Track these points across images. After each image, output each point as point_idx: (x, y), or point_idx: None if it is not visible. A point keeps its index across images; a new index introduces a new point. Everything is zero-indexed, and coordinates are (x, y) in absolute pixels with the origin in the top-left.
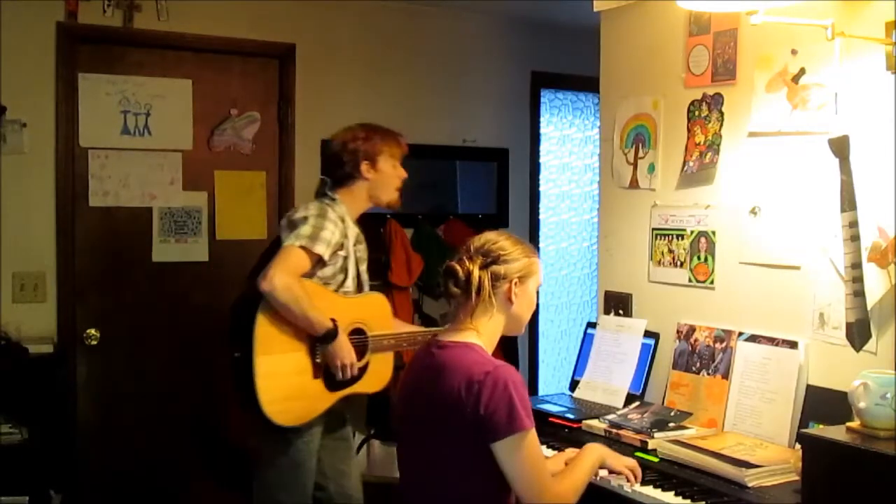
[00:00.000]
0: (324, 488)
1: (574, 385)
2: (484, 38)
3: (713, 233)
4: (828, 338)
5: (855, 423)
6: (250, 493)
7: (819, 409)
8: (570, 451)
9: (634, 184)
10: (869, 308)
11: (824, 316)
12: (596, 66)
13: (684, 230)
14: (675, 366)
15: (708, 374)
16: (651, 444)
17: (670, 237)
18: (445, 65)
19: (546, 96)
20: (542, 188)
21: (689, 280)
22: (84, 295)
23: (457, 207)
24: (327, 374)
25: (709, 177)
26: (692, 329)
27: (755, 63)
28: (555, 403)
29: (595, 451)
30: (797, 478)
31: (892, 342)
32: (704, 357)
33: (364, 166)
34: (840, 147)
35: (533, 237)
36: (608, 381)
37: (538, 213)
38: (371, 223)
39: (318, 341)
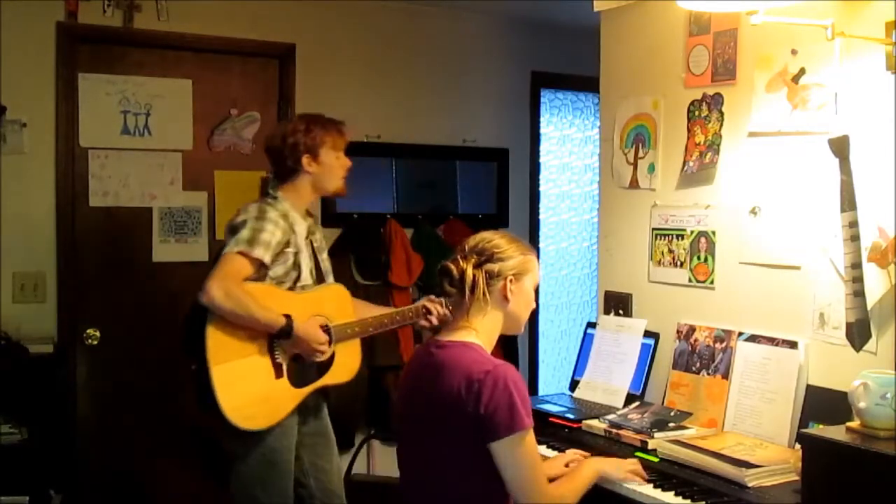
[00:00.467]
0: (304, 485)
1: (574, 385)
2: (484, 38)
3: (713, 233)
4: (828, 338)
5: (855, 423)
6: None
7: (819, 409)
8: (572, 453)
9: (634, 184)
10: (869, 308)
11: (824, 316)
12: (596, 66)
13: (684, 230)
14: (675, 366)
15: (708, 374)
16: (651, 444)
17: (670, 237)
18: (445, 65)
19: (546, 96)
20: (542, 188)
21: (689, 280)
22: (84, 295)
23: (457, 207)
24: (291, 371)
25: (709, 177)
26: (692, 329)
27: (755, 63)
28: (555, 403)
29: (593, 466)
30: (797, 478)
31: (892, 342)
32: (704, 357)
33: (305, 160)
34: (840, 147)
35: (533, 237)
36: (608, 381)
37: (538, 213)
38: (371, 223)
39: (275, 338)
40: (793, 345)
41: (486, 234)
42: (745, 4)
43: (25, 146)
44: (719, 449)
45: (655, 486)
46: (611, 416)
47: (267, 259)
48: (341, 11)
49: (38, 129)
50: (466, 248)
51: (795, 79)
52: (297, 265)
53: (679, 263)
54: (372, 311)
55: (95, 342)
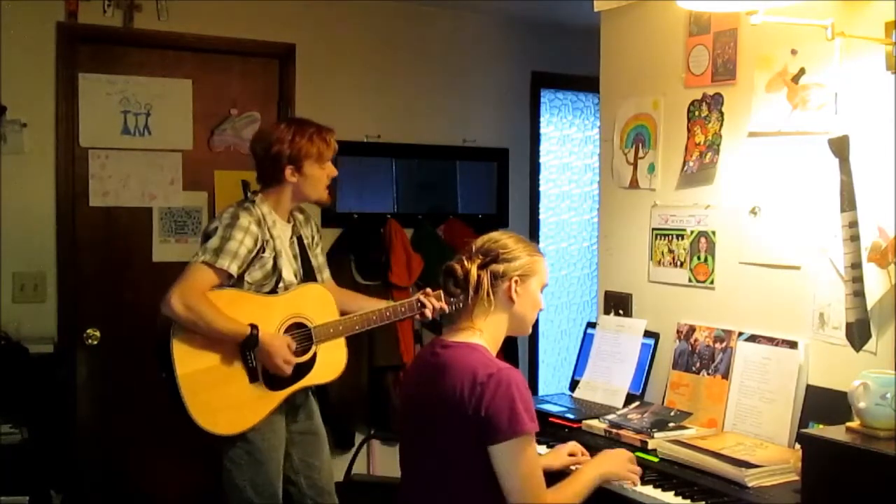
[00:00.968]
0: (294, 482)
1: (574, 385)
2: (484, 38)
3: (713, 233)
4: (828, 338)
5: (855, 423)
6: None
7: (819, 409)
8: (573, 445)
9: (634, 184)
10: (869, 308)
11: (824, 316)
12: (596, 66)
13: (684, 230)
14: (675, 366)
15: (708, 374)
16: (651, 444)
17: (670, 237)
18: (445, 65)
19: (546, 96)
20: (542, 188)
21: (689, 280)
22: (84, 295)
23: (457, 207)
24: (267, 374)
25: (709, 177)
26: (692, 329)
27: (755, 63)
28: (555, 403)
29: (596, 469)
30: (797, 478)
31: (892, 342)
32: (704, 357)
33: (288, 171)
34: (840, 147)
35: (533, 237)
36: (608, 381)
37: (538, 213)
38: (371, 223)
39: (242, 348)
40: (793, 345)
41: (494, 235)
42: (745, 4)
43: (25, 146)
44: (719, 449)
45: (655, 486)
46: (611, 416)
47: (234, 269)
48: (341, 11)
49: (38, 129)
50: (473, 248)
51: (795, 79)
52: (276, 269)
53: (679, 263)
54: (368, 302)
55: (95, 342)
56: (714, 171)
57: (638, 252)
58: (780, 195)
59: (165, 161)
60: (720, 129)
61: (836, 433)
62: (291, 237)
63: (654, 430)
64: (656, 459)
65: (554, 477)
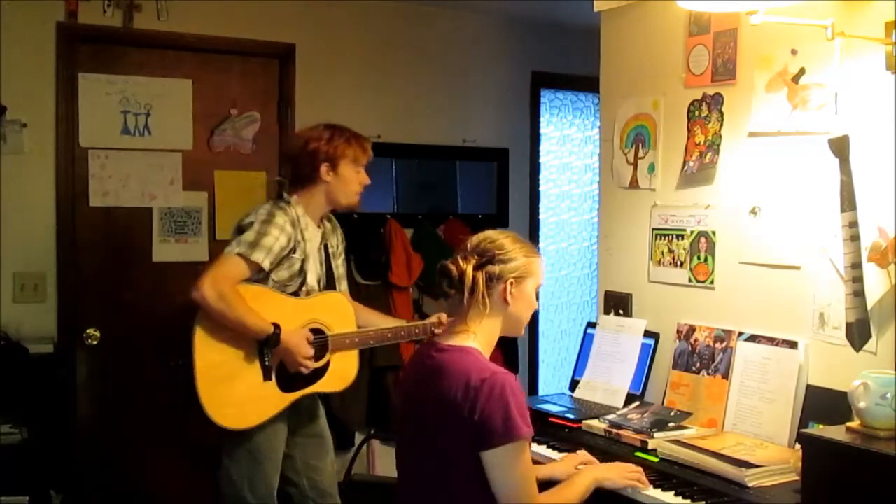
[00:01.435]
0: (296, 484)
1: (574, 385)
2: (484, 38)
3: (713, 233)
4: (828, 338)
5: (855, 423)
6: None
7: (819, 409)
8: (583, 454)
9: (634, 184)
10: (869, 308)
11: (824, 316)
12: (596, 66)
13: (684, 230)
14: (675, 366)
15: (708, 374)
16: (651, 444)
17: (670, 237)
18: (445, 65)
19: (546, 96)
20: (542, 188)
21: (689, 280)
22: (84, 295)
23: (457, 207)
24: (281, 375)
25: (709, 177)
26: (692, 329)
27: (755, 63)
28: (555, 403)
29: (590, 475)
30: (797, 478)
31: (892, 342)
32: (704, 357)
33: (323, 168)
34: (840, 147)
35: (533, 237)
36: (608, 381)
37: (538, 213)
38: (371, 223)
39: (261, 345)
40: (793, 345)
41: (490, 234)
42: (745, 4)
43: (25, 146)
44: (719, 449)
45: (655, 486)
46: (611, 416)
47: (266, 265)
48: (341, 11)
49: (38, 129)
50: (468, 247)
51: (795, 79)
52: (302, 271)
53: (679, 263)
54: (381, 321)
55: (95, 342)
56: (714, 171)
57: (638, 252)
58: (780, 195)
59: (165, 161)
60: (720, 129)
61: (836, 433)
62: (320, 243)
63: (654, 430)
64: (656, 459)
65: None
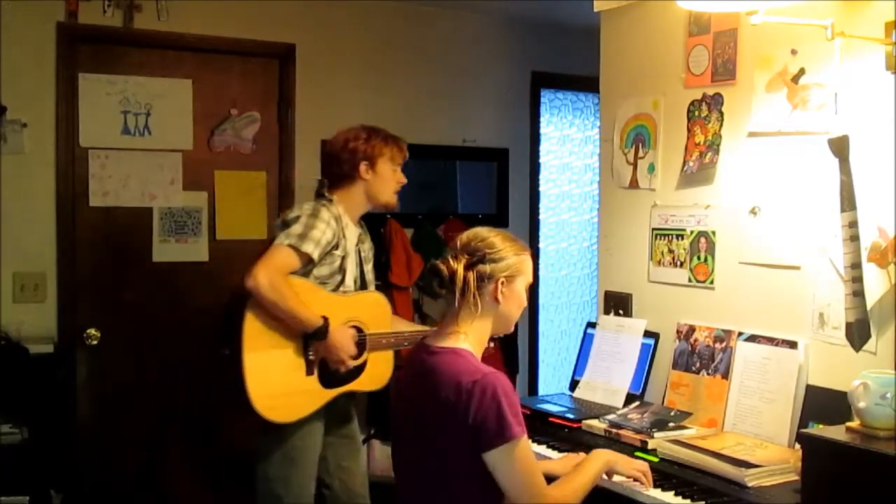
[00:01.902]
0: (328, 486)
1: (574, 385)
2: (484, 38)
3: (713, 233)
4: (828, 338)
5: (855, 423)
6: (249, 492)
7: (819, 409)
8: (583, 456)
9: (634, 184)
10: (869, 308)
11: (824, 316)
12: (596, 66)
13: (684, 230)
14: (674, 366)
15: (708, 374)
16: (651, 444)
17: (670, 237)
18: (445, 65)
19: (546, 96)
20: (542, 188)
21: (689, 280)
22: (84, 295)
23: (457, 207)
24: (322, 370)
25: (709, 177)
26: (692, 329)
27: (755, 63)
28: (555, 403)
29: (601, 457)
30: (797, 478)
31: (892, 342)
32: (704, 357)
33: (362, 167)
34: (840, 147)
35: (533, 237)
36: (608, 381)
37: (538, 213)
38: (371, 223)
39: (308, 338)
40: (793, 345)
41: (480, 232)
42: (745, 4)
43: (25, 146)
44: (719, 449)
45: (655, 486)
46: (611, 416)
47: (315, 256)
48: (341, 11)
49: (38, 129)
50: (458, 245)
51: (795, 79)
52: (342, 269)
53: (679, 263)
54: (407, 326)
55: (95, 342)
56: (714, 171)
57: (638, 252)
58: (780, 195)
59: (165, 161)
60: (720, 129)
61: (836, 433)
62: (356, 245)
63: (654, 430)
64: (656, 459)
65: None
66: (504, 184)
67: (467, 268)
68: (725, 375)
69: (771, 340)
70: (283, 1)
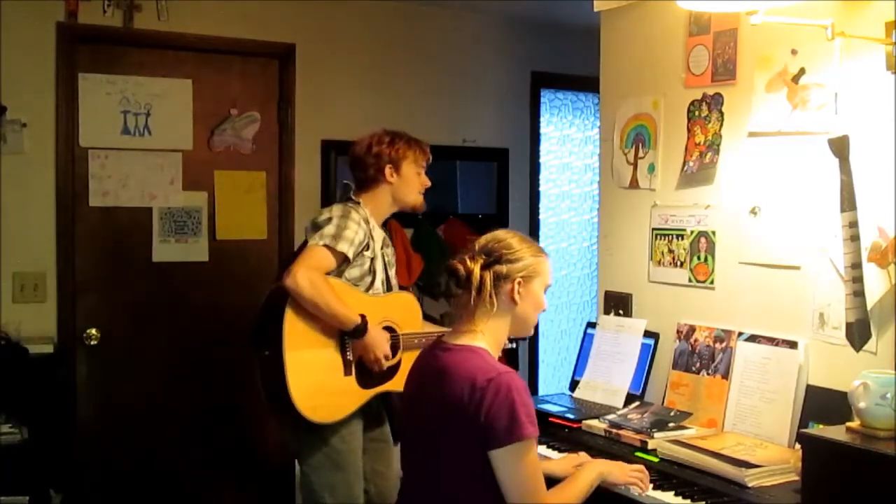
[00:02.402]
0: (364, 490)
1: (574, 385)
2: (484, 38)
3: (713, 233)
4: (828, 338)
5: (855, 423)
6: (249, 491)
7: (819, 409)
8: (584, 455)
9: (634, 184)
10: (869, 308)
11: (824, 316)
12: (596, 66)
13: (684, 230)
14: (675, 366)
15: (708, 374)
16: (651, 444)
17: (670, 237)
18: (445, 65)
19: (546, 96)
20: (542, 188)
21: (689, 280)
22: (84, 295)
23: (457, 207)
24: (359, 370)
25: (709, 177)
26: (692, 329)
27: (755, 63)
28: (555, 403)
29: (594, 469)
30: (797, 478)
31: (892, 342)
32: (704, 357)
33: (388, 170)
34: (840, 147)
35: (533, 237)
36: (608, 381)
37: (538, 213)
38: None
39: (347, 336)
40: (793, 345)
41: (498, 234)
42: (745, 4)
43: (25, 146)
44: (719, 449)
45: (655, 487)
46: (611, 416)
47: (350, 254)
48: (341, 11)
49: (38, 129)
50: (476, 246)
51: (795, 79)
52: (372, 271)
53: (679, 263)
54: (430, 327)
55: (95, 342)
56: (714, 171)
57: (638, 252)
58: (780, 195)
59: (165, 161)
60: (720, 129)
61: (836, 433)
62: (381, 247)
63: (654, 430)
64: (656, 459)
65: (554, 483)
66: (504, 184)
67: (484, 268)
68: (725, 375)
69: (771, 340)
70: (283, 1)
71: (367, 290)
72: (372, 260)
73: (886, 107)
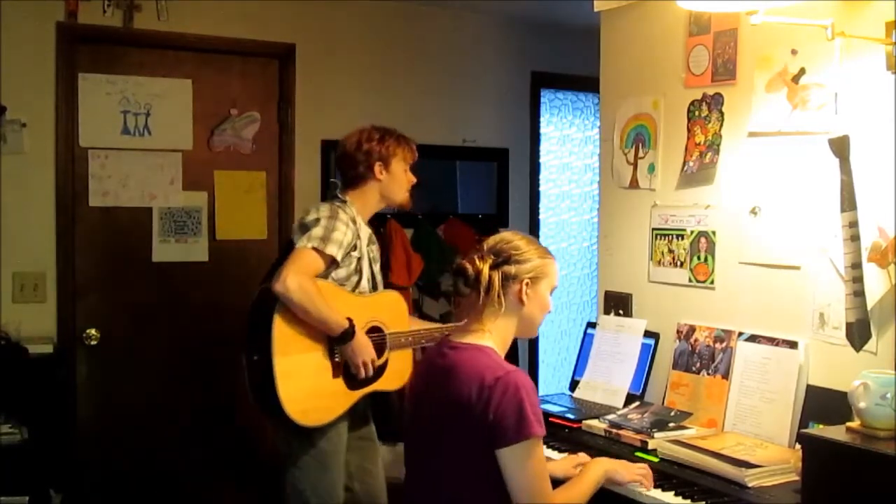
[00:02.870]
0: (350, 488)
1: (574, 385)
2: (484, 38)
3: (713, 233)
4: (828, 338)
5: (855, 423)
6: (248, 491)
7: (819, 409)
8: (583, 456)
9: (634, 184)
10: (869, 308)
11: (824, 316)
12: (596, 66)
13: (684, 230)
14: (675, 366)
15: (708, 374)
16: (651, 444)
17: (670, 237)
18: (445, 65)
19: (546, 96)
20: (542, 188)
21: (689, 280)
22: (84, 295)
23: (457, 207)
24: (347, 372)
25: (709, 177)
26: (692, 329)
27: (755, 63)
28: (555, 403)
29: (600, 467)
30: (797, 478)
31: (892, 342)
32: (704, 357)
33: (377, 167)
34: (840, 147)
35: (533, 237)
36: (608, 381)
37: (538, 213)
38: (371, 223)
39: (335, 341)
40: (793, 345)
41: (506, 235)
42: (745, 4)
43: (25, 146)
44: (719, 449)
45: (655, 486)
46: (611, 416)
47: (339, 257)
48: (341, 11)
49: (38, 129)
50: (485, 247)
51: (795, 79)
52: (359, 270)
53: (679, 263)
54: (418, 322)
55: (95, 342)
56: (714, 171)
57: (638, 252)
58: (780, 195)
59: (165, 161)
60: (720, 129)
61: (836, 433)
62: (368, 245)
63: (654, 430)
64: (656, 459)
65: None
66: (504, 184)
67: (493, 268)
68: (725, 375)
69: (771, 340)
70: (283, 1)
71: (354, 289)
72: (359, 259)
73: (886, 107)
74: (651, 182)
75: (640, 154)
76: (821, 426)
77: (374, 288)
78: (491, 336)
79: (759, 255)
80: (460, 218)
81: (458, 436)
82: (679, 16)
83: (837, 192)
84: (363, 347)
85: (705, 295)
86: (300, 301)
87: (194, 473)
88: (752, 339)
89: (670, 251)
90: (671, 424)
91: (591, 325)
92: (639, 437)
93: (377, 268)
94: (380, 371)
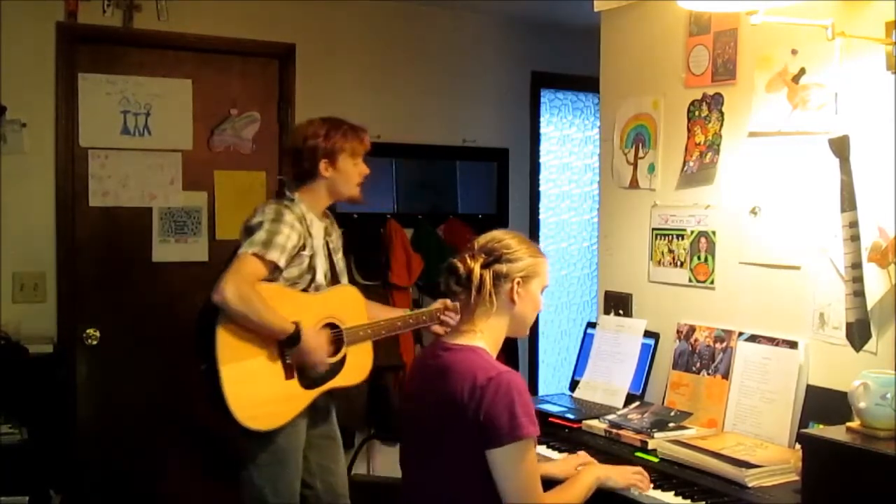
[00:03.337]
0: (311, 486)
1: (574, 385)
2: (484, 38)
3: (713, 233)
4: (828, 338)
5: (855, 423)
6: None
7: (819, 409)
8: (584, 456)
9: (634, 184)
10: (869, 308)
11: (824, 316)
12: (596, 66)
13: (684, 230)
14: (675, 366)
15: (708, 374)
16: (651, 445)
17: (670, 237)
18: (445, 65)
19: (546, 96)
20: (542, 188)
21: (689, 280)
22: (84, 295)
23: (457, 207)
24: (301, 373)
25: (709, 177)
26: (692, 329)
27: (755, 63)
28: (555, 403)
29: (592, 473)
30: (797, 478)
31: (892, 342)
32: (704, 357)
33: (322, 165)
34: (840, 147)
35: (533, 237)
36: (608, 381)
37: (538, 213)
38: (371, 223)
39: (283, 344)
40: (793, 345)
41: (497, 234)
42: (745, 4)
43: (25, 146)
44: (719, 449)
45: (655, 487)
46: (611, 417)
47: (282, 262)
48: (341, 11)
49: (38, 129)
50: (476, 246)
51: (795, 79)
52: (311, 268)
53: (679, 263)
54: (385, 312)
55: (95, 342)
56: (714, 171)
57: (638, 252)
58: (780, 195)
59: (165, 161)
60: (720, 129)
61: (836, 433)
62: (323, 239)
63: (654, 430)
64: (656, 459)
65: (554, 485)
66: (504, 184)
67: (484, 267)
68: (725, 375)
69: (771, 340)
70: (283, 1)
71: (308, 286)
72: (311, 257)
73: (886, 107)
74: (651, 182)
75: (640, 154)
76: (821, 426)
77: (336, 280)
78: (483, 336)
79: (759, 255)
80: (460, 218)
81: (454, 436)
82: (679, 16)
83: (837, 192)
84: (314, 347)
85: (705, 295)
86: (239, 309)
87: (194, 473)
88: (752, 339)
89: (670, 251)
90: (671, 424)
91: (591, 325)
92: (639, 437)
93: (339, 257)
94: (338, 367)
